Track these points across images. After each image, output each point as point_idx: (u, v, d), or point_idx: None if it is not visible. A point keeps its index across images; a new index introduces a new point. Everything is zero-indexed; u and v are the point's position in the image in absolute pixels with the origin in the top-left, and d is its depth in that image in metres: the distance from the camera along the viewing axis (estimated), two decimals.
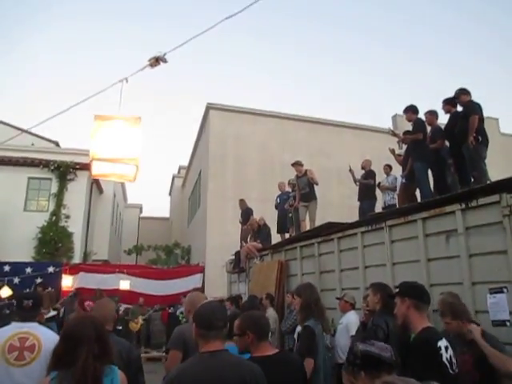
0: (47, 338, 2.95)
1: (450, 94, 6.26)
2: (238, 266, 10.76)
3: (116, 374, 2.19)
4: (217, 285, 12.94)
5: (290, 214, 10.09)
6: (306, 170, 9.55)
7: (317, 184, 9.39)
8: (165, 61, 2.55)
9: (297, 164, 9.74)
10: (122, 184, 28.51)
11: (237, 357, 2.39)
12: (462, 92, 6.01)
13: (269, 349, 2.72)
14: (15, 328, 2.97)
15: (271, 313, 6.93)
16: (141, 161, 2.62)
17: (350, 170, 9.32)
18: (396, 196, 8.31)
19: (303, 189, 9.43)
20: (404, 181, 7.16)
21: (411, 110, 6.82)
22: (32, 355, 2.82)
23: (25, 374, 2.78)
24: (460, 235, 4.50)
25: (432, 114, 6.71)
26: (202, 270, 14.68)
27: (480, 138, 5.57)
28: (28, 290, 11.70)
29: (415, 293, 2.83)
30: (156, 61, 2.54)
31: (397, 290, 2.95)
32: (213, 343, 2.18)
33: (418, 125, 6.68)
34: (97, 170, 2.72)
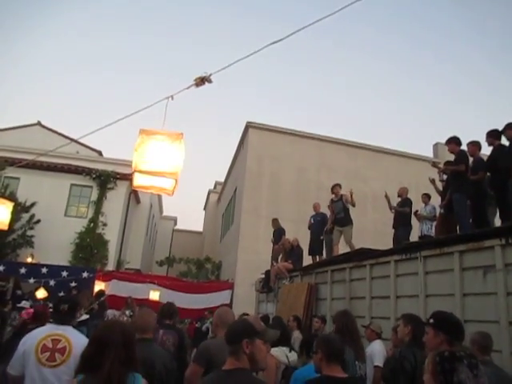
0: (78, 341, 3.03)
1: (493, 124, 6.13)
2: (266, 285, 10.72)
3: (139, 381, 2.22)
4: (245, 303, 12.89)
5: (322, 237, 10.01)
6: (341, 195, 9.50)
7: (353, 206, 9.30)
8: (210, 81, 2.64)
9: (336, 186, 9.72)
10: (159, 196, 29.08)
11: (253, 377, 2.38)
12: (509, 126, 5.87)
13: (339, 371, 2.74)
14: (50, 329, 3.08)
15: (298, 335, 6.84)
16: (180, 176, 2.70)
17: (386, 196, 9.19)
18: (434, 226, 8.11)
19: (338, 213, 9.38)
20: (442, 211, 7.00)
21: (454, 142, 6.68)
22: (62, 357, 2.91)
23: (54, 375, 2.87)
24: (498, 271, 4.36)
25: (474, 145, 6.57)
26: (231, 286, 14.68)
27: None
28: (62, 293, 12.06)
29: (451, 329, 2.73)
30: (201, 81, 2.64)
31: (431, 319, 2.81)
32: (233, 360, 2.18)
33: (461, 156, 6.52)
34: (138, 181, 2.83)
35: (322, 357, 2.78)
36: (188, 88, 2.65)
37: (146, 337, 3.10)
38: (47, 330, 3.06)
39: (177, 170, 2.67)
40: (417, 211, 8.89)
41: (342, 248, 9.20)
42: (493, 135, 6.23)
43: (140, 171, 2.66)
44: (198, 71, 2.62)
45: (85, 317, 9.46)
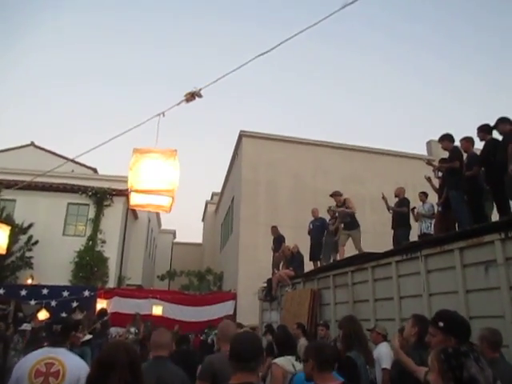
0: (73, 364, 2.99)
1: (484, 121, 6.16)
2: (269, 293, 10.69)
3: None
4: (249, 312, 12.84)
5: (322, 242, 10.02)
6: (344, 200, 9.52)
7: (353, 212, 9.31)
8: (200, 96, 2.65)
9: (335, 195, 9.76)
10: None
11: None
12: (502, 121, 5.90)
13: (331, 379, 2.70)
14: (44, 353, 3.03)
15: (304, 342, 6.81)
16: (176, 191, 2.70)
17: (384, 198, 9.20)
18: (433, 224, 8.13)
19: (344, 218, 9.39)
20: (440, 209, 7.01)
21: (447, 139, 6.72)
22: (56, 381, 2.86)
23: None
24: (500, 266, 4.36)
25: (468, 141, 6.59)
26: (233, 296, 14.63)
27: None
28: (64, 313, 11.98)
29: (462, 331, 2.65)
30: (192, 96, 2.65)
31: (440, 322, 2.69)
32: (240, 375, 2.15)
33: (455, 153, 6.56)
34: (134, 200, 2.83)
35: (313, 365, 2.73)
36: (179, 104, 2.66)
37: (161, 354, 3.06)
38: (40, 354, 3.01)
39: (173, 187, 2.67)
40: (414, 208, 8.91)
41: (347, 251, 9.18)
42: (484, 130, 6.27)
43: (136, 190, 2.66)
44: (188, 85, 2.64)
45: (88, 337, 9.40)
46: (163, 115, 2.68)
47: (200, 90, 2.65)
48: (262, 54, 2.51)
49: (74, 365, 3.00)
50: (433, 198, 8.40)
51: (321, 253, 9.98)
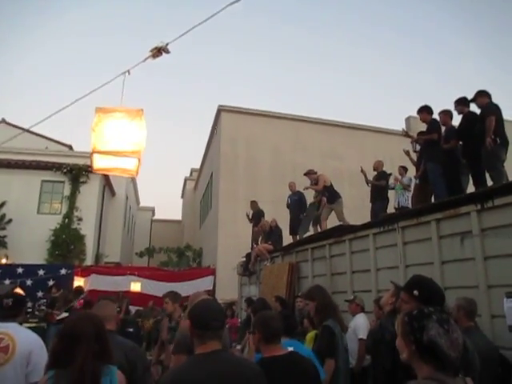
0: (24, 339, 2.87)
1: (464, 94, 6.15)
2: (248, 268, 10.70)
3: (114, 374, 2.12)
4: (228, 287, 12.89)
5: (301, 216, 10.02)
6: (317, 177, 9.54)
7: (328, 186, 9.31)
8: (167, 51, 2.48)
9: (309, 173, 9.80)
10: (135, 186, 28.70)
11: (235, 356, 2.30)
12: (480, 94, 5.88)
13: (278, 350, 2.65)
14: None
15: None
16: (143, 154, 2.55)
17: (362, 171, 9.21)
18: (408, 197, 8.22)
19: (323, 195, 9.41)
20: (417, 182, 7.03)
21: (426, 111, 6.67)
22: (6, 356, 2.74)
23: None
24: (475, 237, 4.39)
25: (446, 114, 6.57)
26: (213, 272, 14.65)
27: (498, 140, 5.43)
28: (40, 292, 11.81)
29: (436, 301, 2.49)
30: (158, 51, 2.49)
31: (415, 291, 2.56)
32: (209, 344, 2.06)
33: (433, 125, 6.53)
34: (98, 163, 2.67)
35: (259, 338, 2.71)
36: (144, 60, 2.49)
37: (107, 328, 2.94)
38: None
39: (139, 148, 2.52)
40: (390, 174, 8.98)
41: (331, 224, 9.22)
42: (461, 103, 6.27)
43: (99, 152, 2.50)
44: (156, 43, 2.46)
45: (64, 315, 9.28)
46: (128, 73, 2.51)
47: (167, 44, 2.49)
48: (234, 3, 2.35)
49: (25, 339, 2.88)
50: (412, 172, 8.45)
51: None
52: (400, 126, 20.20)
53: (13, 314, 3.00)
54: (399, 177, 8.92)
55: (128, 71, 2.50)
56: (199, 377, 1.95)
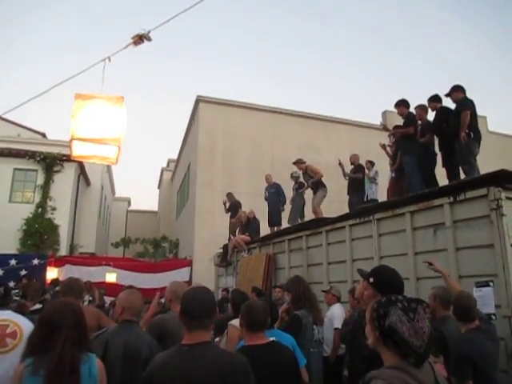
0: (27, 325, 2.86)
1: (439, 89, 6.28)
2: (225, 259, 10.72)
3: (94, 361, 2.11)
4: (205, 278, 12.83)
5: (281, 208, 10.11)
6: (306, 167, 9.67)
7: (318, 175, 9.43)
8: (149, 39, 2.46)
9: (298, 162, 9.88)
10: (110, 176, 28.25)
11: (218, 350, 2.29)
12: (455, 89, 6.01)
13: (260, 339, 2.69)
14: None
15: None
16: (123, 142, 2.52)
17: (340, 164, 9.31)
18: (376, 190, 8.41)
19: (309, 185, 9.57)
20: (393, 175, 7.16)
21: (403, 104, 6.80)
22: (14, 341, 2.73)
23: (7, 361, 2.69)
24: (448, 228, 4.51)
25: (422, 109, 6.71)
26: (189, 263, 14.56)
27: (472, 134, 5.58)
28: (12, 282, 11.54)
29: (389, 290, 2.26)
30: (140, 38, 2.45)
31: (371, 277, 2.48)
32: (195, 334, 2.06)
33: (409, 119, 6.67)
34: (77, 150, 2.62)
35: (243, 324, 2.76)
36: (126, 47, 2.46)
37: (130, 318, 2.91)
38: None
39: (119, 136, 2.49)
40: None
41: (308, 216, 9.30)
42: (434, 100, 6.48)
43: (79, 139, 2.45)
44: (137, 30, 2.43)
45: (38, 306, 9.12)
46: (109, 60, 2.47)
47: (149, 32, 2.46)
48: None
49: (28, 324, 2.85)
50: (386, 165, 8.59)
51: (278, 218, 10.08)
52: (376, 119, 20.55)
53: (5, 302, 2.99)
54: (366, 171, 9.08)
55: (109, 58, 2.46)
56: (179, 368, 1.96)
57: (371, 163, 9.17)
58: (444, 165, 6.19)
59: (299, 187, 10.30)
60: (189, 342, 2.06)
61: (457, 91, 5.99)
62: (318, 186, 9.35)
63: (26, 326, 2.83)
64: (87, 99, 2.46)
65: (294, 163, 9.97)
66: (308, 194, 10.05)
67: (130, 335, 2.77)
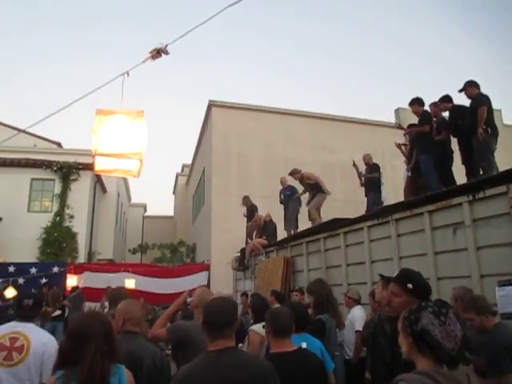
0: (38, 339, 2.90)
1: (451, 87, 6.23)
2: (243, 263, 10.74)
3: (123, 373, 2.12)
4: (223, 282, 12.91)
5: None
6: (301, 175, 9.79)
7: (315, 183, 9.51)
8: (166, 52, 2.48)
9: (293, 173, 9.98)
10: (126, 183, 28.52)
11: (245, 354, 2.34)
12: (469, 84, 5.93)
13: (287, 345, 2.69)
14: (10, 327, 2.93)
15: None
16: (145, 156, 2.55)
17: (354, 165, 9.27)
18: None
19: (308, 192, 9.69)
20: (409, 174, 7.09)
21: (417, 103, 6.71)
22: (20, 356, 2.77)
23: (11, 375, 2.74)
24: (467, 227, 4.45)
25: (437, 106, 6.65)
26: (207, 267, 14.64)
27: (489, 130, 5.51)
28: (33, 290, 11.73)
29: (426, 294, 2.44)
30: (157, 53, 2.48)
31: (410, 283, 2.47)
32: (218, 342, 2.12)
33: (425, 117, 6.58)
34: (100, 165, 2.66)
35: (269, 331, 2.75)
36: (144, 62, 2.49)
37: (132, 329, 2.90)
38: (7, 329, 2.91)
39: (141, 149, 2.52)
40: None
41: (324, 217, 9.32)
42: (445, 100, 6.45)
43: (101, 154, 2.49)
44: (155, 44, 2.45)
45: (58, 312, 9.26)
46: (127, 75, 2.51)
47: (166, 46, 2.48)
48: (232, 5, 2.36)
49: (40, 339, 2.91)
50: (402, 164, 8.52)
51: (295, 222, 10.10)
52: (389, 118, 20.39)
53: (32, 314, 3.02)
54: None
55: (127, 72, 2.49)
56: (208, 372, 2.01)
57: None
58: (463, 163, 6.11)
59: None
60: (215, 348, 2.11)
61: (471, 86, 5.91)
62: (317, 190, 9.42)
63: (36, 341, 2.87)
64: (108, 114, 2.50)
65: (290, 174, 10.12)
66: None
67: (131, 345, 2.76)
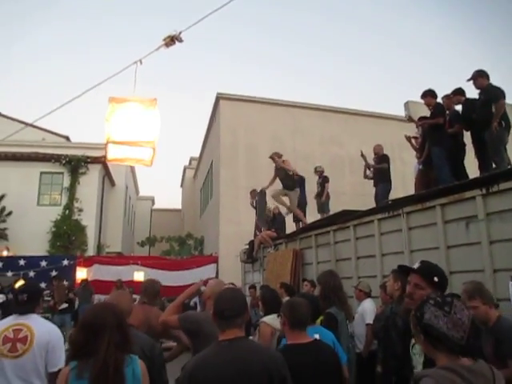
0: (41, 329, 2.92)
1: (458, 79, 6.12)
2: (251, 255, 10.74)
3: (137, 363, 2.13)
4: (231, 275, 12.89)
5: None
6: (283, 161, 9.67)
7: (294, 174, 9.47)
8: (180, 40, 2.44)
9: (273, 157, 9.83)
10: (134, 176, 28.62)
11: (257, 344, 2.33)
12: (480, 74, 5.78)
13: (303, 337, 2.67)
14: (12, 320, 2.94)
15: None
16: (158, 144, 2.52)
17: (362, 155, 9.19)
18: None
19: (284, 180, 9.55)
20: (421, 167, 7.01)
21: (430, 95, 6.58)
22: (24, 347, 2.79)
23: (16, 366, 2.76)
24: (481, 221, 4.39)
25: (449, 98, 6.55)
26: (215, 260, 14.67)
27: (503, 123, 5.42)
28: (43, 283, 11.83)
29: (446, 287, 2.47)
30: (171, 40, 2.44)
31: (436, 277, 2.43)
32: (228, 332, 2.14)
33: (438, 109, 6.43)
34: (112, 154, 2.64)
35: (285, 322, 2.74)
36: (158, 49, 2.45)
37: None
38: (10, 321, 2.92)
39: (154, 138, 2.50)
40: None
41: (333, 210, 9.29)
42: (458, 93, 6.34)
43: (114, 142, 2.46)
44: (169, 31, 2.41)
45: (64, 305, 9.36)
46: (140, 63, 2.47)
47: (180, 33, 2.44)
48: None
49: (43, 330, 2.92)
50: (411, 156, 8.42)
51: (304, 214, 10.05)
52: (399, 111, 20.20)
53: (29, 307, 3.00)
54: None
55: (140, 60, 2.46)
56: (221, 361, 2.01)
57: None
58: (476, 156, 6.02)
59: (323, 181, 10.25)
60: (225, 338, 2.13)
61: (482, 77, 5.76)
62: (291, 187, 9.36)
63: (39, 331, 2.88)
64: (121, 102, 2.47)
65: (270, 157, 9.96)
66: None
67: None
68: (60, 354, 2.86)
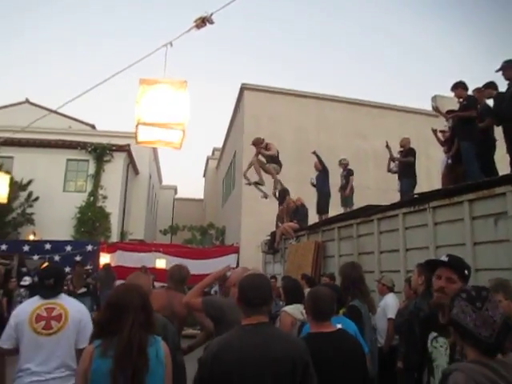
0: (74, 307, 3.01)
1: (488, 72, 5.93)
2: (272, 246, 10.73)
3: (160, 344, 2.15)
4: (252, 265, 12.83)
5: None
6: (267, 144, 10.45)
7: (272, 154, 10.10)
8: (211, 22, 2.42)
9: (256, 143, 10.52)
10: (157, 165, 28.93)
11: (279, 330, 2.31)
12: (510, 65, 5.56)
13: (327, 327, 2.64)
14: (39, 300, 2.99)
15: None
16: (187, 127, 2.52)
17: (387, 146, 9.00)
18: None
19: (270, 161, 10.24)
20: (449, 161, 6.83)
21: (461, 86, 6.35)
22: (59, 324, 2.87)
23: (52, 342, 2.83)
24: (510, 218, 4.27)
25: (480, 92, 6.32)
26: (236, 250, 14.68)
27: None
28: (68, 267, 12.11)
29: (468, 278, 2.44)
30: (202, 21, 2.42)
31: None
32: (254, 317, 2.11)
33: (470, 102, 6.16)
34: (142, 136, 2.65)
35: (308, 312, 2.71)
36: (188, 31, 2.43)
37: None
38: (39, 300, 2.98)
39: (184, 120, 2.49)
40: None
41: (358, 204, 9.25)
42: (490, 86, 6.12)
43: (144, 123, 2.46)
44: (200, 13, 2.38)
45: (83, 290, 9.53)
46: (171, 45, 2.46)
47: (211, 14, 2.42)
48: None
49: (75, 308, 3.02)
50: (437, 150, 8.23)
51: (327, 206, 9.99)
52: (427, 105, 19.80)
53: (56, 291, 3.06)
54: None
55: (170, 43, 2.45)
56: (245, 345, 2.00)
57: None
58: (507, 151, 5.81)
59: (348, 174, 10.13)
60: (248, 322, 2.10)
61: (511, 68, 5.55)
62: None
63: (72, 309, 2.97)
64: (151, 84, 2.48)
65: (253, 144, 10.62)
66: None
67: None
68: (89, 332, 2.93)
